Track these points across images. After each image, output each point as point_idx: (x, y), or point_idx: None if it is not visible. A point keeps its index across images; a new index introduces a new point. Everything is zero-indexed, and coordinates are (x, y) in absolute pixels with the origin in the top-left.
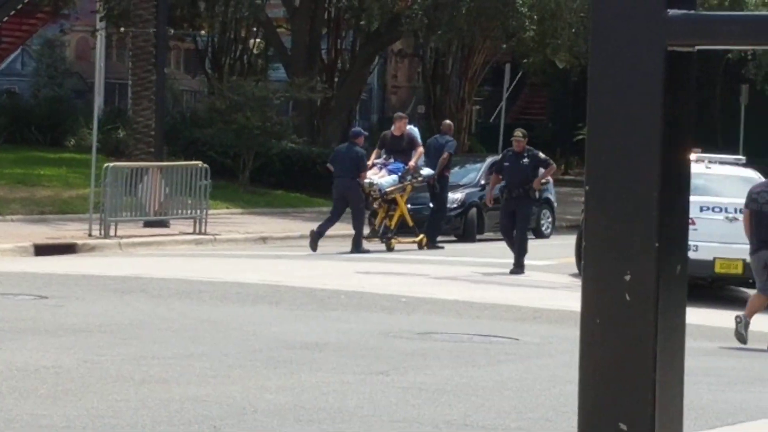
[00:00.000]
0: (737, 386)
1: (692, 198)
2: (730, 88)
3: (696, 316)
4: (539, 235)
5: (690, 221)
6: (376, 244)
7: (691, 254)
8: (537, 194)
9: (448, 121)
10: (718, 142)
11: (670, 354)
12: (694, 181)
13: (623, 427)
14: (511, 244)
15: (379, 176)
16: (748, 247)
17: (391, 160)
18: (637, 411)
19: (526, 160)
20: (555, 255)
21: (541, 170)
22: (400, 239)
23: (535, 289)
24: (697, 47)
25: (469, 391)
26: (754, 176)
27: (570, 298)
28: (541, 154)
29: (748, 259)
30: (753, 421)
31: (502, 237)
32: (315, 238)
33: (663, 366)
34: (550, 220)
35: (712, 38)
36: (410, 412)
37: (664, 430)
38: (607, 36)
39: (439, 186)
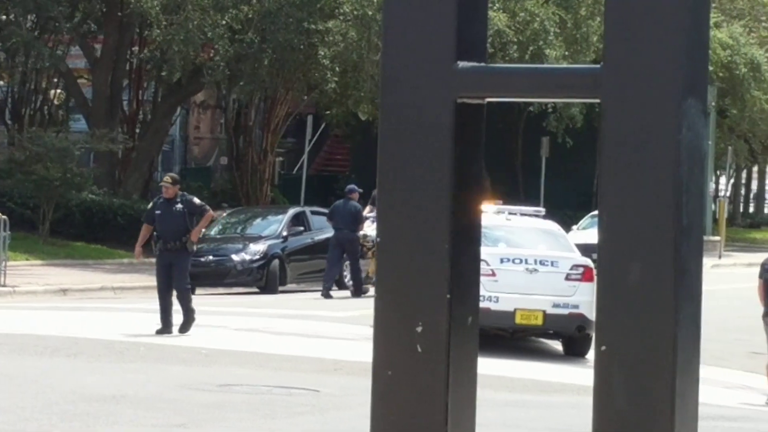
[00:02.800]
0: None
1: (492, 250)
2: (531, 141)
3: (497, 366)
4: (342, 286)
5: (491, 273)
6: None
7: (492, 305)
8: (195, 247)
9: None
10: (519, 194)
11: (462, 405)
12: (495, 233)
13: None
14: (164, 305)
15: (372, 228)
16: (595, 305)
17: None
18: None
19: (179, 206)
20: (357, 307)
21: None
22: None
23: (337, 341)
24: (486, 99)
25: None
26: (554, 228)
27: (371, 350)
28: (196, 200)
29: (548, 309)
30: None
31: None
32: (329, 290)
33: (455, 418)
34: None
35: (501, 91)
36: None
37: None
38: (397, 87)
39: None
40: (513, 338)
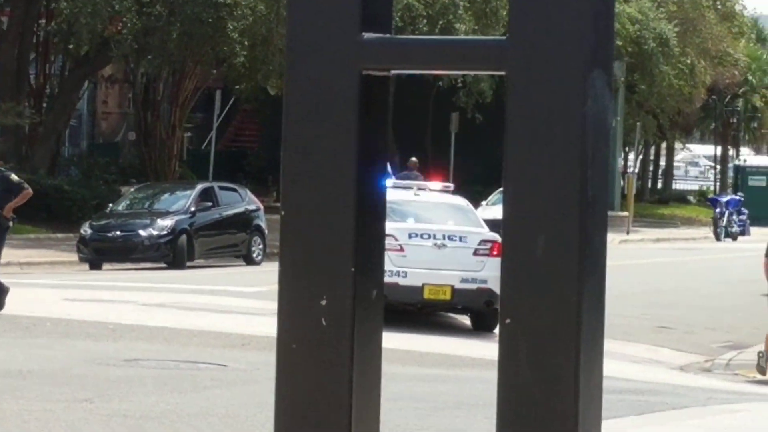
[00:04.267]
0: (444, 411)
1: (401, 225)
2: (441, 117)
3: (406, 341)
4: (250, 261)
5: (399, 248)
6: None
7: (401, 280)
8: (10, 222)
9: (414, 159)
10: (429, 170)
11: (367, 379)
12: (403, 208)
13: None
14: None
15: None
16: (497, 278)
17: None
18: None
19: None
20: (265, 282)
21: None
22: None
23: (244, 316)
24: (392, 71)
25: (174, 417)
26: (462, 203)
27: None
28: (14, 177)
29: (456, 284)
30: None
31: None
32: None
33: (359, 391)
34: (261, 247)
35: (406, 62)
36: None
37: None
38: (301, 59)
39: None
40: (422, 313)
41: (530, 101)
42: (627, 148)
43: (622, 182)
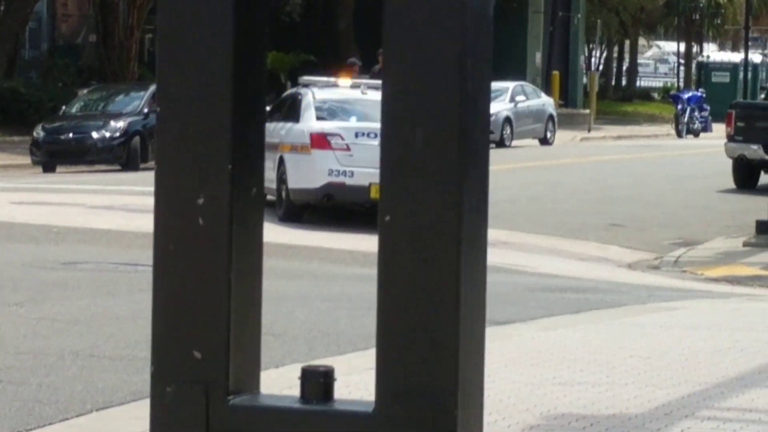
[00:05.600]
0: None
1: (347, 124)
2: (370, 15)
3: (351, 242)
4: None
5: (345, 147)
6: None
7: (347, 180)
8: None
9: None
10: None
11: (247, 278)
12: (350, 107)
13: (197, 355)
14: None
15: None
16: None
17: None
18: (211, 338)
19: None
20: None
21: None
22: None
23: None
24: None
25: (103, 321)
26: None
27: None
28: None
29: None
30: None
31: None
32: None
33: (239, 290)
34: None
35: None
36: (38, 343)
37: (240, 354)
38: None
39: None
40: (369, 213)
41: None
42: (591, 46)
43: (585, 80)
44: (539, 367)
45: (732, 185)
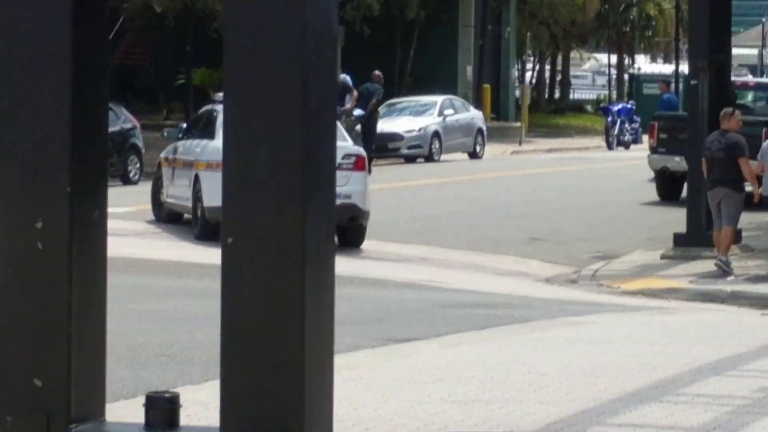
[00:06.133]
0: None
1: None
2: None
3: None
4: (126, 181)
5: None
6: None
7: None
8: None
9: (377, 72)
10: None
11: (89, 301)
12: None
13: (38, 382)
14: None
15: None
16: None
17: None
18: (52, 365)
19: None
20: (135, 202)
21: None
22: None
23: (110, 237)
24: None
25: None
26: None
27: (140, 246)
28: None
29: None
30: None
31: None
32: None
33: (80, 315)
34: (137, 166)
35: None
36: None
37: (83, 381)
38: None
39: (369, 125)
40: None
41: (250, 5)
42: (524, 58)
43: (517, 93)
44: (435, 385)
45: (656, 197)
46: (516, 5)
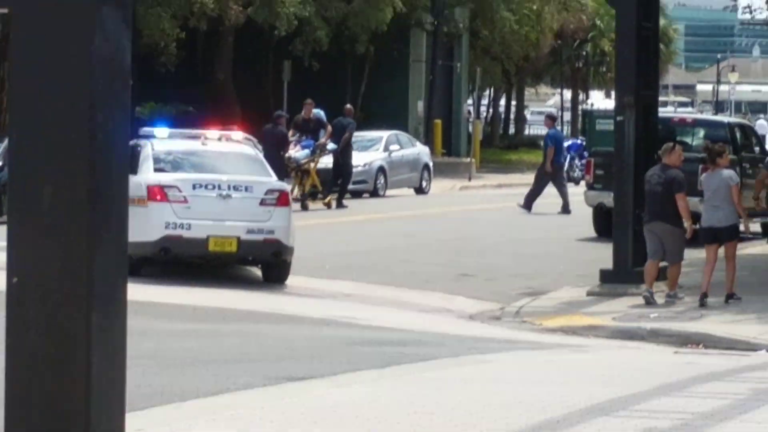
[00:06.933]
0: (177, 369)
1: (184, 176)
2: (280, 66)
3: (184, 295)
4: None
5: (183, 199)
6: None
7: (185, 233)
8: None
9: (349, 106)
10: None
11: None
12: (189, 159)
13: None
14: None
15: (295, 151)
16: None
17: (303, 138)
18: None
19: None
20: None
21: None
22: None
23: None
24: None
25: None
26: (251, 152)
27: None
28: None
29: (242, 236)
30: (165, 405)
31: None
32: None
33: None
34: None
35: None
36: None
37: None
38: None
39: (342, 158)
40: (210, 266)
41: (36, 38)
42: (478, 93)
43: (470, 128)
44: (317, 425)
45: (593, 233)
46: (468, 40)
